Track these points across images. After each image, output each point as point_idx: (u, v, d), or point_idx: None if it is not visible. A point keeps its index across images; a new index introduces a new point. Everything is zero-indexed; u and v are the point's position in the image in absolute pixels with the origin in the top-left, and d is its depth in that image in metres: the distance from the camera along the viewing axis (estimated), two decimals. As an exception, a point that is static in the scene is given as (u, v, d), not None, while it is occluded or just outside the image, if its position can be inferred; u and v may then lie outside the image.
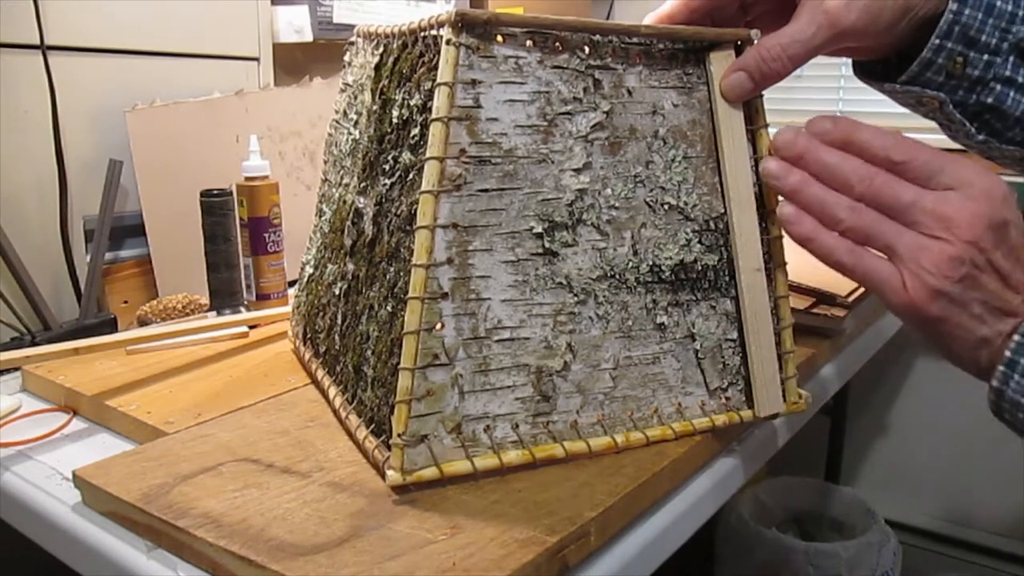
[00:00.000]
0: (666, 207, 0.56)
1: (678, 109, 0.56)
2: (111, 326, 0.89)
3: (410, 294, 0.48)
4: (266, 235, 0.90)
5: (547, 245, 0.52)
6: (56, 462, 0.60)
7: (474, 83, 0.49)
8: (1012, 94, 0.57)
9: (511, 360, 0.51)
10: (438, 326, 0.49)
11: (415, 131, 0.52)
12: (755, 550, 1.26)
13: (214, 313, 0.90)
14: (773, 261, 0.59)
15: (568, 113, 0.52)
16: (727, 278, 0.58)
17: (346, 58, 0.71)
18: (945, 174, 0.48)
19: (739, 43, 0.57)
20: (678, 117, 0.56)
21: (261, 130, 1.05)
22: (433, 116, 0.48)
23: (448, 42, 0.48)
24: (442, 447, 0.50)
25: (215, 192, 0.89)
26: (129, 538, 0.50)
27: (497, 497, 0.49)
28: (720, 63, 0.56)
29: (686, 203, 0.56)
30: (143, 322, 0.91)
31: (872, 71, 0.61)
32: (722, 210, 0.57)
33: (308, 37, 1.15)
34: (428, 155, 0.48)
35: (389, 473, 0.49)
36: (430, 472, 0.49)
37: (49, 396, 0.72)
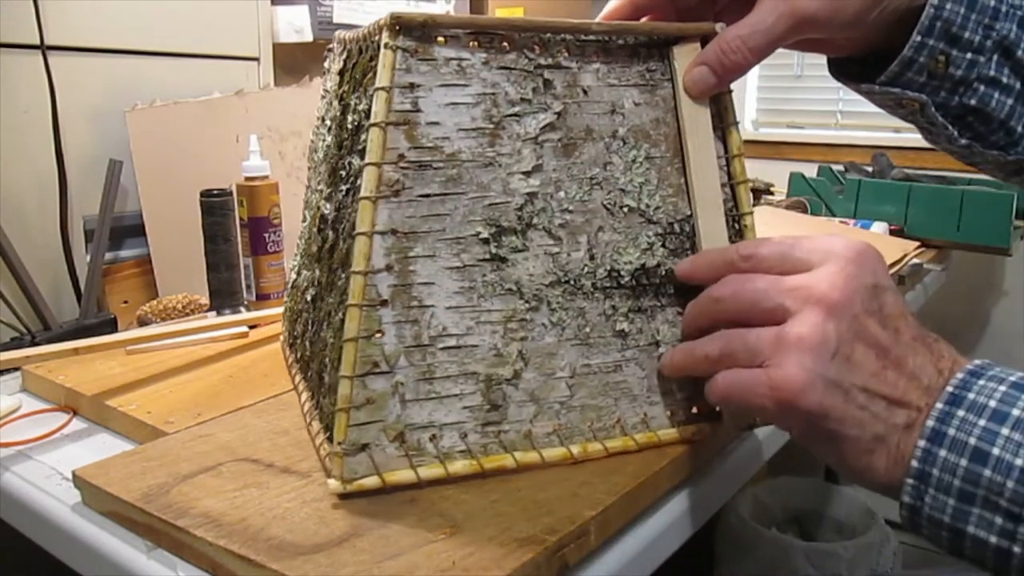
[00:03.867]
0: (626, 210, 0.54)
1: (640, 108, 0.54)
2: (111, 326, 0.90)
3: (348, 301, 0.47)
4: (266, 235, 0.90)
5: (494, 251, 0.50)
6: (56, 462, 0.60)
7: (412, 87, 0.47)
8: (996, 95, 0.54)
9: (458, 368, 0.50)
10: (378, 334, 0.48)
11: (363, 136, 0.51)
12: (755, 550, 1.24)
13: (214, 313, 0.91)
14: (742, 264, 0.57)
15: (516, 115, 0.50)
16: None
17: (325, 64, 0.71)
18: (798, 250, 0.45)
19: (705, 37, 0.55)
20: (640, 116, 0.54)
21: (261, 130, 1.06)
22: (370, 121, 0.47)
23: (385, 45, 0.47)
24: (384, 456, 0.49)
25: (215, 192, 0.90)
26: (129, 538, 0.49)
27: (497, 496, 0.49)
28: (684, 58, 0.54)
29: (648, 205, 0.54)
30: (143, 322, 0.92)
31: (849, 71, 0.58)
32: (688, 212, 0.55)
33: (308, 37, 1.15)
34: (366, 161, 0.47)
35: (330, 482, 0.48)
36: (371, 481, 0.48)
37: (49, 396, 0.72)
